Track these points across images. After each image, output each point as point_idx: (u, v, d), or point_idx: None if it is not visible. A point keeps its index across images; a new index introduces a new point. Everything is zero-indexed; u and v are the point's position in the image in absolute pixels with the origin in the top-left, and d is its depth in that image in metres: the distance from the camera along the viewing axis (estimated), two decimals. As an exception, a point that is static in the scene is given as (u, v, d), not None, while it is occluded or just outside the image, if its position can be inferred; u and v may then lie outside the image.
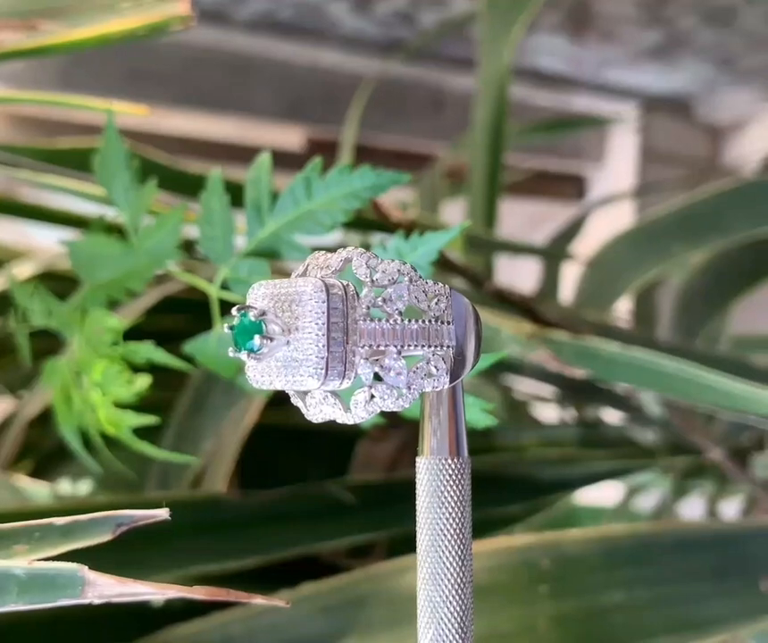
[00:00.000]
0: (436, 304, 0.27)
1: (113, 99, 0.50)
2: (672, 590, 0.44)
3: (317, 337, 0.25)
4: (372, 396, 0.26)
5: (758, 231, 0.71)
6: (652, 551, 0.45)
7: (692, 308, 0.81)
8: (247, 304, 0.26)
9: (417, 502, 0.29)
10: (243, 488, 0.52)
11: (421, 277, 0.27)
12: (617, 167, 2.18)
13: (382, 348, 0.26)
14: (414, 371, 0.27)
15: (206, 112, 1.80)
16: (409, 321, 0.27)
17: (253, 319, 0.25)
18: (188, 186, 0.51)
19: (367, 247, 0.36)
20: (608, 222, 1.18)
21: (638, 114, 2.11)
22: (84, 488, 0.54)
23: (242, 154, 1.70)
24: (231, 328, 0.26)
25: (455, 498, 0.28)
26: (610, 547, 0.45)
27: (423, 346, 0.27)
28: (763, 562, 0.46)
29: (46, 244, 0.66)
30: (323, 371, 0.25)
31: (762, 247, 0.76)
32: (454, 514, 0.28)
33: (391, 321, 0.26)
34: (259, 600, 0.28)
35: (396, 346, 0.26)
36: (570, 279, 0.90)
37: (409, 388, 0.27)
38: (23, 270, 0.60)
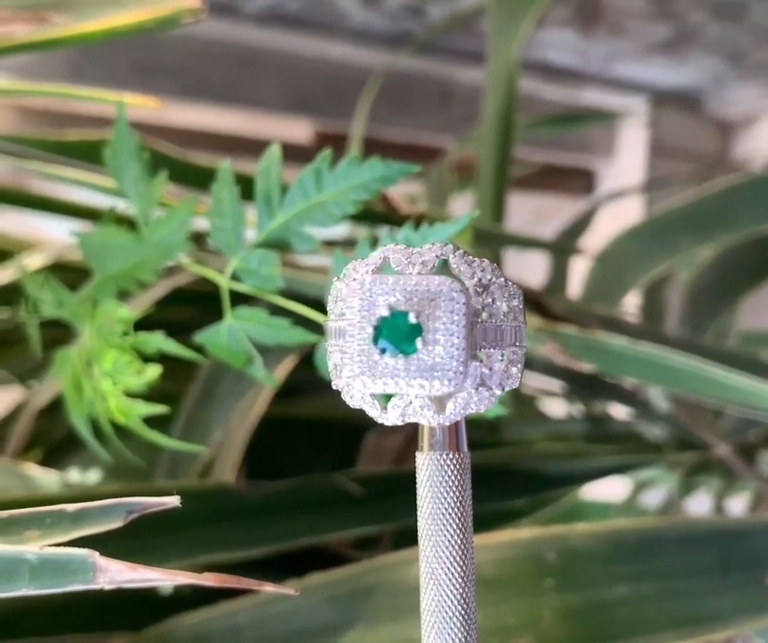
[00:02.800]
0: (517, 303, 0.27)
1: (123, 91, 0.50)
2: (678, 585, 0.44)
3: (458, 339, 0.24)
4: (472, 398, 0.26)
5: (767, 227, 0.71)
6: (658, 546, 0.45)
7: (700, 303, 0.81)
8: (371, 299, 0.25)
9: (418, 498, 0.29)
10: (251, 479, 0.52)
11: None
12: (626, 161, 2.18)
13: (490, 350, 0.26)
14: (504, 372, 0.27)
15: (214, 105, 1.80)
16: (506, 321, 0.26)
17: (414, 320, 0.24)
18: (198, 178, 0.51)
19: (375, 241, 0.37)
20: (617, 217, 1.18)
21: (647, 109, 2.10)
22: (93, 477, 0.54)
23: (250, 146, 1.71)
24: (377, 328, 0.25)
25: (456, 494, 0.28)
26: (616, 542, 0.45)
27: (512, 345, 0.27)
28: (769, 557, 0.46)
29: (56, 236, 0.67)
30: (462, 375, 0.25)
31: (770, 243, 0.76)
32: (454, 510, 0.28)
33: (497, 322, 0.26)
34: (269, 588, 0.28)
35: (500, 348, 0.26)
36: (578, 274, 0.90)
37: (501, 389, 0.27)
38: (34, 260, 0.61)
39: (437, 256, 0.26)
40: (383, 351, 0.25)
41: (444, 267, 0.27)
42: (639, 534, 0.46)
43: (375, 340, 0.25)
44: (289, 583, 0.42)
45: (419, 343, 0.24)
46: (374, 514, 0.51)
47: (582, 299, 0.83)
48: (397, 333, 0.24)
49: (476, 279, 0.26)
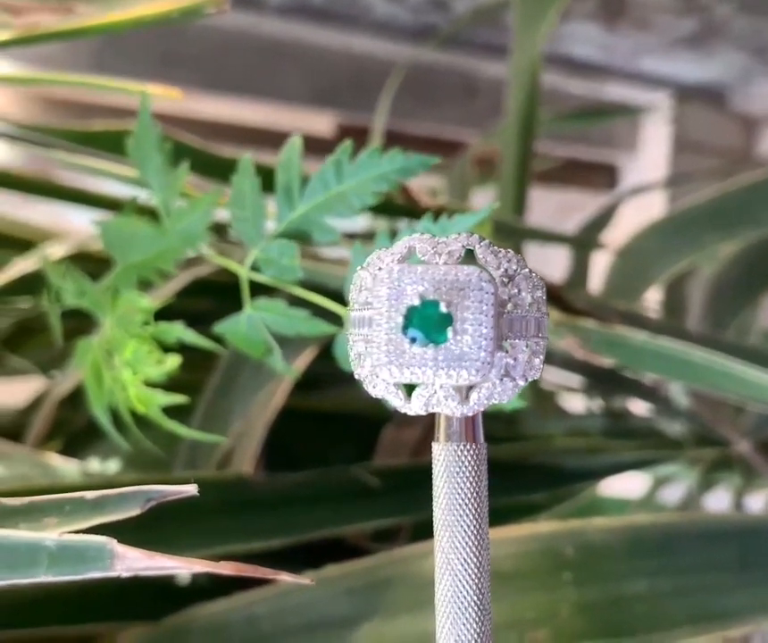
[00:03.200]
0: (541, 295, 0.27)
1: (146, 83, 0.50)
2: (696, 581, 0.44)
3: (486, 329, 0.24)
4: (495, 388, 0.26)
5: (791, 224, 0.71)
6: (676, 541, 0.45)
7: (722, 299, 0.81)
8: (400, 288, 0.25)
9: (434, 488, 0.28)
10: (269, 471, 0.52)
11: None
12: (649, 156, 2.17)
13: (515, 341, 0.26)
14: (527, 363, 0.26)
15: (237, 97, 1.81)
16: (530, 312, 0.26)
17: (445, 310, 0.24)
18: (220, 169, 0.51)
19: (395, 233, 0.37)
20: (639, 212, 1.18)
21: (671, 104, 2.09)
22: (113, 466, 0.55)
23: (272, 139, 1.71)
24: (407, 317, 0.24)
25: (472, 485, 0.28)
26: (634, 537, 0.45)
27: (535, 337, 0.27)
28: (788, 555, 0.45)
29: (78, 226, 0.67)
30: (490, 365, 0.24)
31: (794, 240, 0.76)
32: (470, 501, 0.28)
33: (523, 312, 0.26)
34: (285, 577, 0.28)
35: (524, 338, 0.26)
36: (599, 269, 0.89)
37: (525, 379, 0.26)
38: (56, 250, 0.61)
39: (463, 246, 0.26)
40: (413, 340, 0.24)
41: (468, 257, 0.27)
42: (658, 530, 0.46)
43: (404, 329, 0.25)
44: (307, 575, 0.42)
45: (449, 332, 0.24)
46: (392, 507, 0.51)
47: (604, 294, 0.83)
48: (427, 322, 0.24)
49: (502, 269, 0.26)
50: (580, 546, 0.44)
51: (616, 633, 0.41)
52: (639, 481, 0.94)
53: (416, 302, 0.24)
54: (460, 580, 0.28)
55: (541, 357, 0.27)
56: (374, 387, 0.27)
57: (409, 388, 0.27)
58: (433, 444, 0.28)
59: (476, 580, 0.28)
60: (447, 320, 0.24)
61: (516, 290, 0.26)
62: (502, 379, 0.26)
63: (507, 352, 0.26)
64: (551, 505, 0.58)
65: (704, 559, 0.44)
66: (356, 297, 0.28)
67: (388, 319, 0.25)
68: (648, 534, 0.45)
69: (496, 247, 0.26)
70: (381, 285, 0.25)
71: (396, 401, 0.27)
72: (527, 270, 0.26)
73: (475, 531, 0.28)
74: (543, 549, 0.43)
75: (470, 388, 0.26)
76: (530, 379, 0.27)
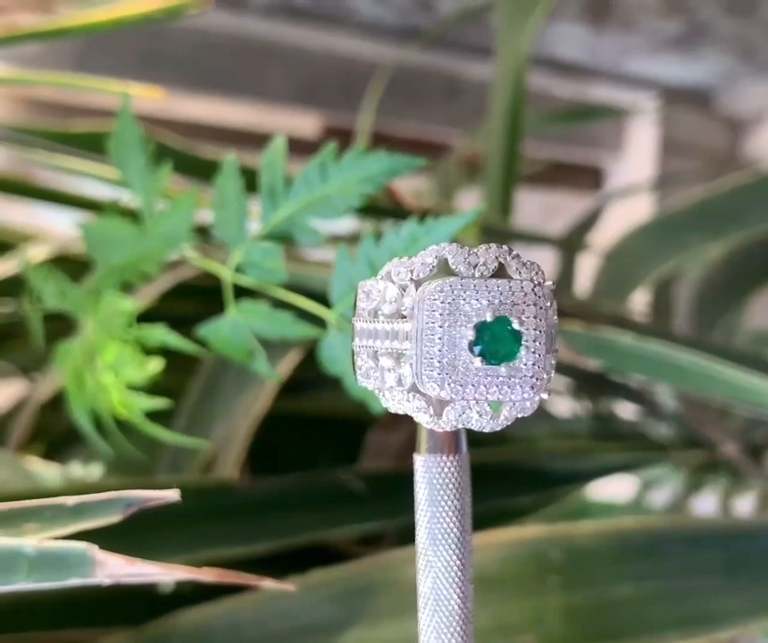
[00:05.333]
0: (555, 306, 0.26)
1: (129, 83, 0.50)
2: (683, 584, 0.44)
3: (542, 346, 0.24)
4: (524, 402, 0.25)
5: (777, 225, 0.71)
6: (663, 545, 0.45)
7: (709, 301, 0.81)
8: (464, 304, 0.24)
9: (416, 500, 0.28)
10: (253, 475, 0.52)
11: None
12: (635, 158, 2.17)
13: (549, 355, 0.25)
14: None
15: (221, 98, 1.80)
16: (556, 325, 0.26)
17: (517, 327, 0.24)
18: (203, 170, 0.51)
19: (379, 235, 0.36)
20: (626, 214, 1.18)
21: (657, 105, 2.10)
22: (95, 471, 0.54)
23: (257, 139, 1.70)
24: (480, 335, 0.24)
25: (454, 496, 0.27)
26: (621, 540, 0.45)
27: (556, 350, 0.26)
28: (775, 558, 0.45)
29: (60, 228, 0.66)
30: (546, 383, 0.24)
31: (781, 241, 0.76)
32: (453, 512, 0.27)
33: (556, 327, 0.26)
34: (268, 583, 0.28)
35: (552, 353, 0.26)
36: (586, 271, 0.89)
37: (549, 393, 0.26)
38: (37, 252, 0.61)
39: (496, 257, 0.25)
40: (481, 356, 0.24)
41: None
42: (645, 533, 0.46)
43: (470, 346, 0.24)
44: (291, 580, 0.42)
45: (522, 351, 0.24)
46: (377, 511, 0.50)
47: (591, 296, 0.83)
48: (498, 340, 0.24)
49: (535, 282, 0.25)
50: (566, 551, 0.44)
51: (603, 638, 0.41)
52: (627, 485, 0.94)
53: (488, 318, 0.24)
54: (442, 593, 0.27)
55: (553, 372, 0.27)
56: (398, 402, 0.27)
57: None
58: (414, 455, 0.28)
59: (459, 593, 0.28)
60: (518, 337, 0.24)
61: (550, 303, 0.26)
62: (536, 393, 0.25)
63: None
64: (537, 508, 0.58)
65: (691, 562, 0.44)
66: (365, 306, 0.27)
67: (442, 334, 0.24)
68: (635, 537, 0.45)
69: (523, 260, 0.26)
70: (433, 297, 0.25)
71: (424, 417, 0.26)
72: (550, 281, 0.26)
73: (457, 542, 0.28)
74: (529, 553, 0.43)
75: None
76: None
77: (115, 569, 0.26)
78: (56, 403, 0.56)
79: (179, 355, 0.42)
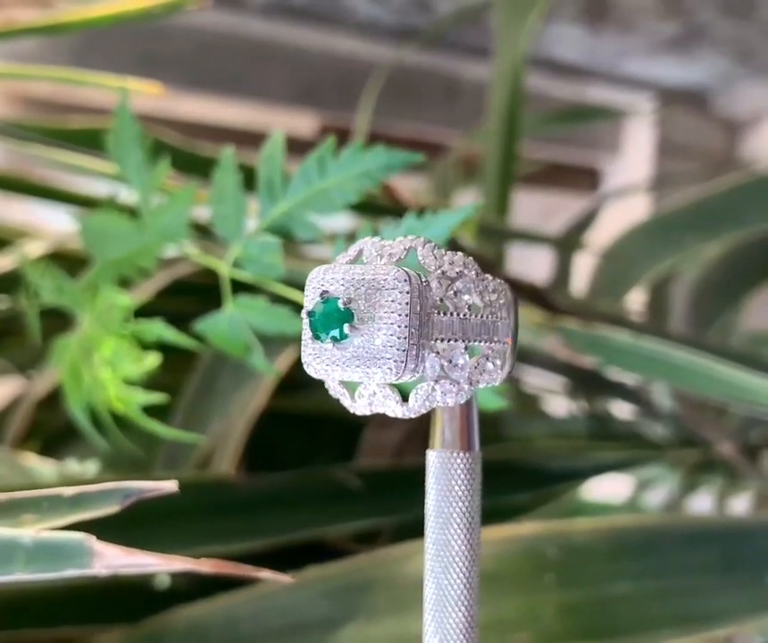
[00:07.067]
0: (496, 298, 0.27)
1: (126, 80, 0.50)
2: (679, 583, 0.44)
3: (399, 328, 0.24)
4: (434, 391, 0.26)
5: (773, 226, 0.71)
6: (659, 543, 0.45)
7: (705, 301, 0.81)
8: (318, 287, 0.25)
9: (426, 494, 0.28)
10: (250, 472, 0.52)
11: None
12: (632, 159, 2.17)
13: (451, 342, 0.26)
14: (475, 367, 0.26)
15: (219, 97, 1.80)
16: (474, 315, 0.26)
17: (342, 306, 0.24)
18: (201, 167, 0.50)
19: (377, 232, 0.36)
20: (623, 214, 1.18)
21: (654, 106, 2.10)
22: (92, 467, 0.54)
23: (255, 139, 1.70)
24: (311, 314, 0.25)
25: (466, 492, 0.28)
26: (618, 538, 0.45)
27: (486, 341, 0.26)
28: (770, 557, 0.45)
29: (57, 225, 0.66)
30: (403, 365, 0.24)
31: (776, 242, 0.76)
32: (463, 508, 0.28)
33: (461, 315, 0.26)
34: (266, 575, 0.28)
35: (463, 341, 0.26)
36: (583, 271, 0.89)
37: (470, 383, 0.26)
38: (34, 248, 0.60)
39: (405, 248, 0.26)
40: (316, 338, 0.25)
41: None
42: (641, 531, 0.46)
43: (311, 327, 0.25)
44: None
45: (347, 329, 0.24)
46: (373, 508, 0.50)
47: (588, 296, 0.83)
48: (328, 320, 0.25)
49: (440, 271, 0.26)
50: (563, 548, 0.44)
51: (599, 635, 0.41)
52: (623, 485, 0.94)
53: (317, 300, 0.25)
54: (449, 589, 0.28)
55: (497, 362, 0.27)
56: (328, 388, 0.28)
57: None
58: (428, 450, 0.28)
59: (466, 590, 0.28)
60: (347, 316, 0.24)
61: (453, 292, 0.26)
62: (439, 382, 0.26)
63: (438, 354, 0.26)
64: (534, 507, 0.58)
65: (687, 561, 0.44)
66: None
67: (305, 317, 0.25)
68: (632, 536, 0.45)
69: (441, 250, 0.26)
70: (308, 284, 0.26)
71: (345, 401, 0.27)
72: (473, 273, 0.26)
73: (467, 539, 0.28)
74: (525, 550, 0.43)
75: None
76: (483, 385, 0.27)
77: (113, 559, 0.26)
78: (52, 400, 0.56)
79: (176, 352, 0.42)
